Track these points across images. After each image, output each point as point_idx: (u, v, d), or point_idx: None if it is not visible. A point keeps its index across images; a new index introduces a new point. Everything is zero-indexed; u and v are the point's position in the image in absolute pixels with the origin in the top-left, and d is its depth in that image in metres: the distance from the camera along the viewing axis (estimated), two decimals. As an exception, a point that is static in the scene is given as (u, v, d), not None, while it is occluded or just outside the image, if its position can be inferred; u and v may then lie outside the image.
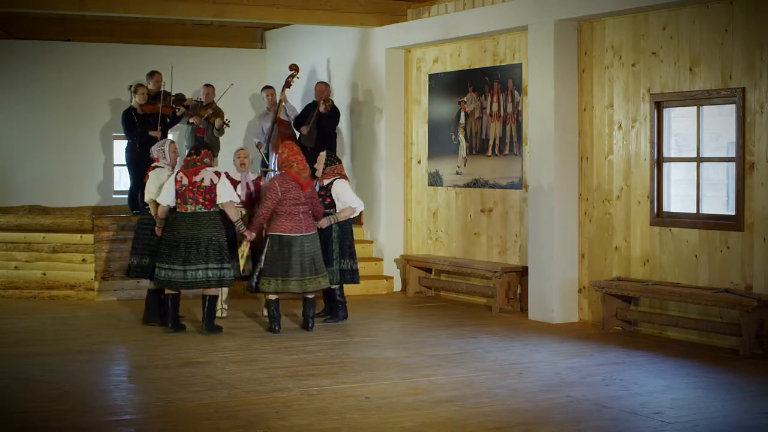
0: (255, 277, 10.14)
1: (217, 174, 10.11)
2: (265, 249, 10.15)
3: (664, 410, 7.15)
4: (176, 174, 10.07)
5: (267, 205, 10.12)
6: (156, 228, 10.30)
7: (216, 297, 10.15)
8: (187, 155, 10.21)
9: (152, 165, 10.65)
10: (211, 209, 10.01)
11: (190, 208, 9.97)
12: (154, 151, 10.68)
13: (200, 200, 9.96)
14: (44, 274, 12.55)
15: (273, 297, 10.15)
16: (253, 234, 10.21)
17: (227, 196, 10.07)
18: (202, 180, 9.97)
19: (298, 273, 10.06)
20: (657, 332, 10.15)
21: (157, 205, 10.21)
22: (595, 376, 8.21)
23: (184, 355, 9.08)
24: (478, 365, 8.65)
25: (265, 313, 10.60)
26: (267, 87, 14.47)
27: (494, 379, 8.13)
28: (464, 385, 7.87)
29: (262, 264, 10.10)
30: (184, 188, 9.96)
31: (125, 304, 12.03)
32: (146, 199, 10.48)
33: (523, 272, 11.67)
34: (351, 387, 7.80)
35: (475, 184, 12.53)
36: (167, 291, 10.17)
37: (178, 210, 10.01)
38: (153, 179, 10.40)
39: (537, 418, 6.95)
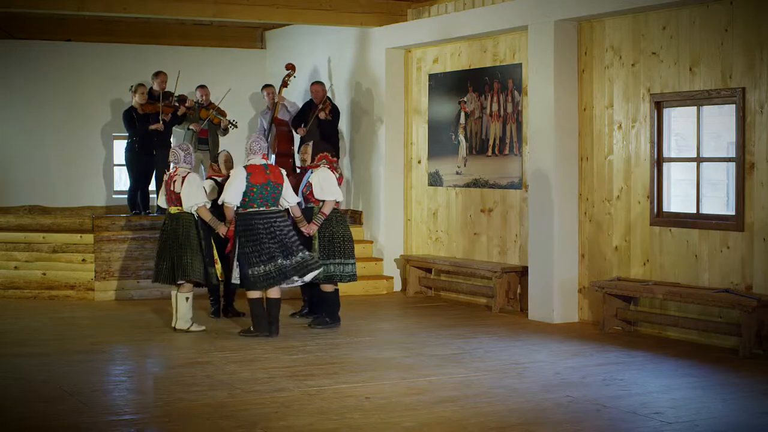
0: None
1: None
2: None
3: (664, 410, 7.15)
4: (310, 177, 10.37)
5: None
6: (220, 228, 10.12)
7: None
8: (316, 158, 10.41)
9: (174, 172, 10.05)
10: None
11: None
12: (182, 156, 10.17)
13: None
14: (44, 274, 12.55)
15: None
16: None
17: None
18: None
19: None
20: (657, 332, 10.15)
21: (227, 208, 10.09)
22: (595, 376, 8.21)
23: (184, 355, 9.08)
24: (478, 365, 8.65)
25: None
26: (267, 85, 14.46)
27: (494, 379, 8.13)
28: (464, 385, 7.87)
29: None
30: None
31: (125, 304, 12.03)
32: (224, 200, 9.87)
33: (523, 272, 11.67)
34: (351, 387, 7.80)
35: (475, 184, 12.53)
36: (327, 288, 10.41)
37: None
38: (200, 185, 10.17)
39: (537, 418, 6.95)
